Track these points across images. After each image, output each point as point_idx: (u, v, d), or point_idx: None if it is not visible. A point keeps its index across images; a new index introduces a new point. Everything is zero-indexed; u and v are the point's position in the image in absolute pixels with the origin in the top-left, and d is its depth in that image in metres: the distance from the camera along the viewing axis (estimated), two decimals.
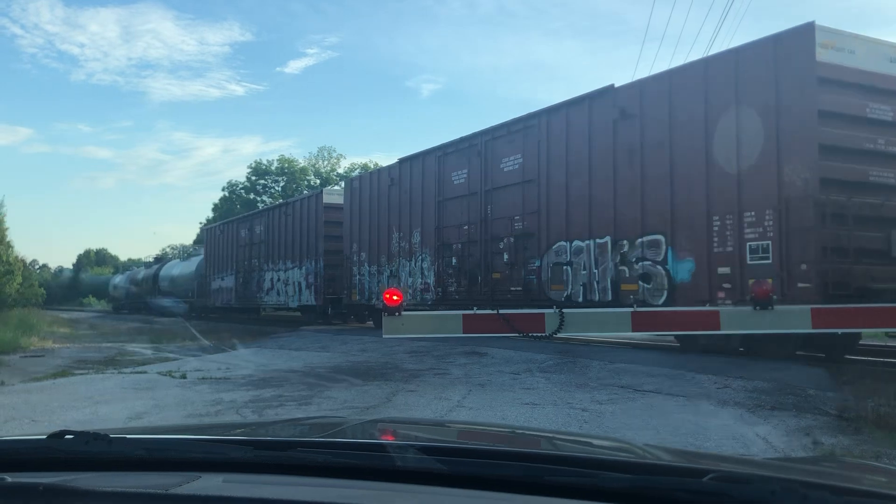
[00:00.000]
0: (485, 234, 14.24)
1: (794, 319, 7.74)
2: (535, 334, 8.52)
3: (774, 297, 7.68)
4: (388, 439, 1.76)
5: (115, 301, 50.40)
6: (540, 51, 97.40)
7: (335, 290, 20.61)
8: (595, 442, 2.08)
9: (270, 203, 49.26)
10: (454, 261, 15.13)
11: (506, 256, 13.70)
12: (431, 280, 15.86)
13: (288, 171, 52.71)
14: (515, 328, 8.46)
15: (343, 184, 21.26)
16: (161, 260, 45.93)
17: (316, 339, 16.38)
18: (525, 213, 13.26)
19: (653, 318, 8.54)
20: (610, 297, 11.30)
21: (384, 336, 8.75)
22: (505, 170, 13.82)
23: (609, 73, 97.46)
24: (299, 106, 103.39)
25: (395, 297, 8.52)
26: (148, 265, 46.10)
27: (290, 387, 8.65)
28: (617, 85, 11.62)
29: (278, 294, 23.91)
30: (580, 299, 11.83)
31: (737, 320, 7.99)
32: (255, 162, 54.10)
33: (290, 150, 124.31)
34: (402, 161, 17.19)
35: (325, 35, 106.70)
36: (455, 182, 15.23)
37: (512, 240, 13.51)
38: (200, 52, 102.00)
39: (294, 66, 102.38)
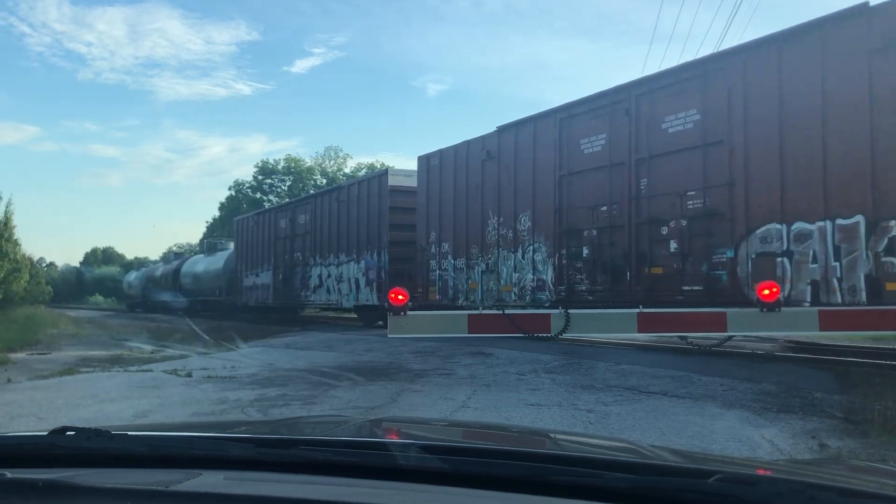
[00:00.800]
0: (636, 217, 11.23)
1: (802, 321, 7.70)
2: (540, 335, 8.50)
3: (781, 298, 7.65)
4: (390, 438, 1.75)
5: (129, 299, 47.98)
6: (546, 50, 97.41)
7: (402, 285, 17.09)
8: (600, 442, 2.07)
9: (277, 202, 49.23)
10: (585, 251, 12.06)
11: (673, 245, 10.66)
12: (548, 276, 12.70)
13: (294, 170, 52.82)
14: (521, 328, 8.45)
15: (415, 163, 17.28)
16: (180, 256, 43.11)
17: (322, 339, 16.38)
18: (706, 186, 10.20)
19: (659, 319, 8.51)
20: (865, 299, 8.29)
21: (389, 336, 8.76)
22: (670, 131, 10.83)
23: (615, 73, 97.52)
24: (305, 105, 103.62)
25: (400, 297, 8.52)
26: (167, 261, 43.46)
27: (295, 386, 8.65)
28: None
29: (329, 292, 20.89)
30: (807, 301, 8.77)
31: (743, 322, 7.96)
32: (262, 161, 54.29)
33: (297, 149, 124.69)
34: (501, 130, 14.03)
35: (331, 35, 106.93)
36: (586, 151, 12.14)
37: (683, 223, 10.50)
38: (207, 52, 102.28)
39: (301, 66, 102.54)
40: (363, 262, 19.13)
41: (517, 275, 13.38)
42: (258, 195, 53.05)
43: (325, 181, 52.65)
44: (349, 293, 19.88)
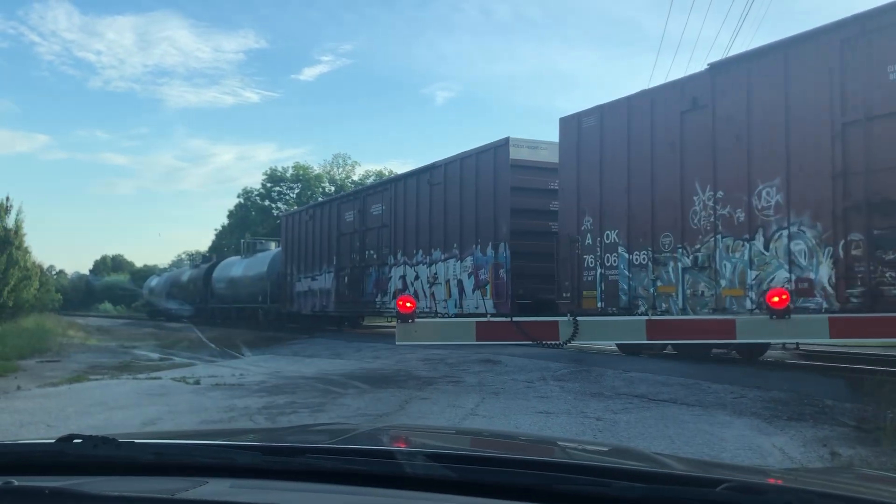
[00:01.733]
0: None
1: (812, 328, 7.65)
2: (548, 342, 8.47)
3: (791, 305, 7.60)
4: (397, 446, 1.75)
5: (150, 306, 44.13)
6: (557, 59, 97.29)
7: (531, 289, 13.78)
8: (607, 450, 2.06)
9: (286, 210, 49.21)
10: None
11: None
12: (822, 273, 8.69)
13: (303, 178, 52.92)
14: (529, 336, 8.42)
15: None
16: (209, 259, 38.88)
17: (329, 346, 16.39)
18: None
19: (668, 326, 8.47)
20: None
21: (397, 343, 8.74)
22: None
23: (625, 82, 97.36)
24: (314, 113, 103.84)
25: (408, 304, 8.51)
26: (194, 265, 39.59)
27: (304, 394, 8.66)
28: None
29: (417, 298, 15.88)
30: None
31: (753, 329, 7.91)
32: (271, 169, 54.37)
33: (305, 157, 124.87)
34: (715, 68, 10.24)
35: (339, 42, 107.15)
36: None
37: None
38: (215, 60, 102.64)
39: (308, 74, 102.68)
40: (469, 259, 15.01)
41: (756, 272, 9.46)
42: (266, 203, 53.18)
43: (332, 189, 52.76)
44: (447, 299, 15.68)
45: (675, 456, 1.89)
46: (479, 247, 14.88)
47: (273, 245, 30.19)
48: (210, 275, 33.02)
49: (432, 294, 16.26)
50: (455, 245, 15.60)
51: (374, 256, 18.77)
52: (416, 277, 16.89)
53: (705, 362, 10.33)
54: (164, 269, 51.85)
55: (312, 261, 22.44)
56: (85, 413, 7.53)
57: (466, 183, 15.29)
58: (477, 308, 14.56)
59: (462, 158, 15.62)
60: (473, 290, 14.95)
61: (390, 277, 17.88)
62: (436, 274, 16.20)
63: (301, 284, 23.24)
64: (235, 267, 30.37)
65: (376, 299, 18.55)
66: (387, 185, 19.00)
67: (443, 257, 16.00)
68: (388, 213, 18.20)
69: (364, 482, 1.30)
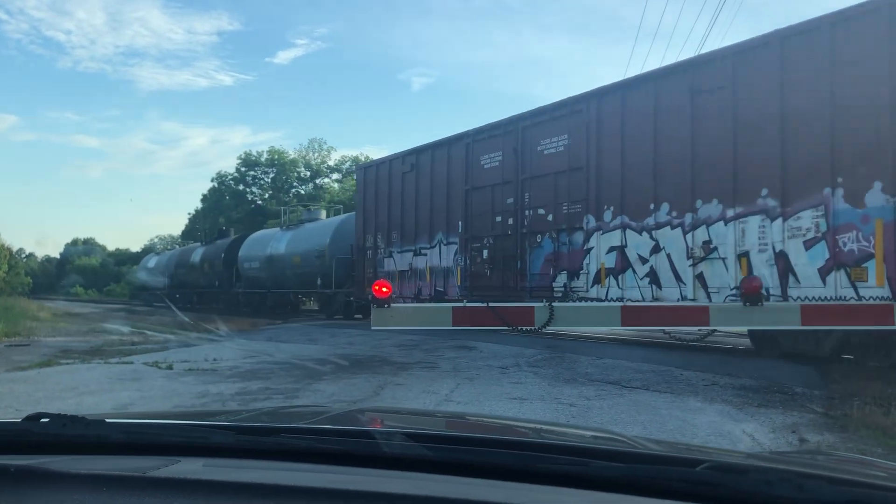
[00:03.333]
0: None
1: (784, 316, 7.74)
2: (524, 328, 8.50)
3: (764, 293, 7.68)
4: (374, 426, 1.73)
5: (146, 290, 37.72)
6: (534, 46, 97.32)
7: None
8: (585, 433, 2.06)
9: (259, 194, 48.34)
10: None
11: None
12: None
13: (278, 162, 52.53)
14: (505, 321, 8.44)
15: None
16: (224, 234, 31.98)
17: (304, 332, 16.31)
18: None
19: (643, 312, 8.53)
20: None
21: (373, 328, 8.71)
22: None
23: (602, 70, 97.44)
24: (289, 97, 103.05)
25: (384, 289, 8.48)
26: (209, 241, 32.43)
27: (278, 379, 8.61)
28: None
29: (656, 281, 10.45)
30: None
31: (726, 316, 7.99)
32: (245, 153, 53.96)
33: (280, 141, 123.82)
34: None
35: (314, 26, 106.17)
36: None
37: None
38: (188, 41, 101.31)
39: (283, 57, 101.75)
40: (811, 216, 8.59)
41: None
42: (241, 187, 52.79)
43: (308, 174, 52.42)
44: (722, 287, 9.61)
45: (651, 438, 1.89)
46: (837, 193, 8.42)
47: (324, 213, 25.16)
48: (235, 253, 27.11)
49: (695, 278, 9.92)
50: (760, 196, 9.20)
51: (550, 219, 12.68)
52: (659, 249, 10.49)
53: (677, 349, 10.44)
54: (186, 244, 45.40)
55: (413, 229, 16.28)
56: (55, 398, 7.42)
57: (791, 82, 8.94)
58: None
59: (765, 43, 9.28)
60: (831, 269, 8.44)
61: (588, 249, 11.72)
62: (692, 242, 10.00)
63: (394, 261, 16.98)
64: (277, 241, 24.03)
65: (553, 282, 12.38)
66: (579, 104, 12.16)
67: (717, 217, 9.71)
68: (578, 149, 12.01)
69: (341, 462, 1.28)
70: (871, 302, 7.79)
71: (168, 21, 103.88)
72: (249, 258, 26.03)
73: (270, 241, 24.82)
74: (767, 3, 76.25)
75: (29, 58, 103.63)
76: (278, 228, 25.79)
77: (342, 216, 22.66)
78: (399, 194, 16.74)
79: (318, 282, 20.76)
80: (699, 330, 10.47)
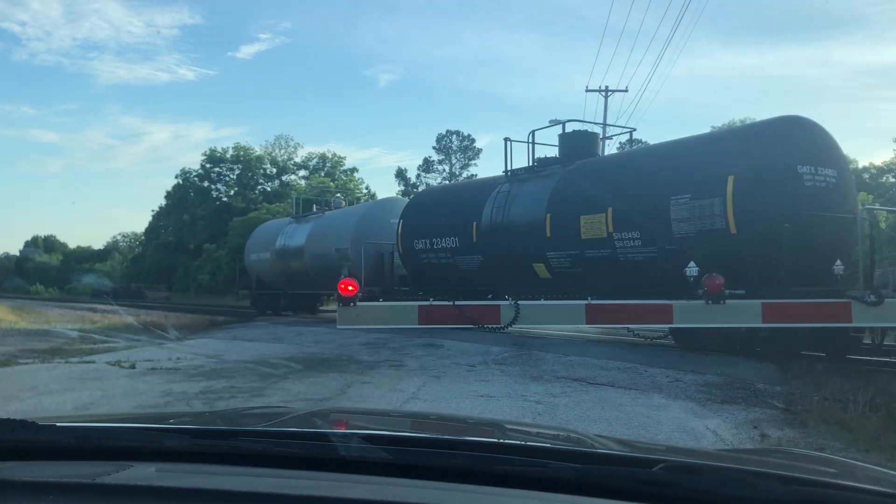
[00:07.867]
0: None
1: (746, 313, 7.86)
2: (491, 326, 8.52)
3: (726, 291, 7.79)
4: (333, 428, 1.71)
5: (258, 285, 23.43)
6: (499, 44, 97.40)
7: None
8: (546, 432, 2.07)
9: (225, 191, 47.58)
10: None
11: None
12: None
13: (244, 158, 51.88)
14: (471, 319, 8.45)
15: None
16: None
17: (270, 331, 16.17)
18: None
19: (608, 309, 8.60)
20: None
21: (339, 327, 8.67)
22: None
23: (565, 68, 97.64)
24: (252, 92, 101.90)
25: (349, 287, 8.44)
26: (320, 211, 21.24)
27: (243, 378, 8.52)
28: None
29: None
30: None
31: (689, 314, 8.10)
32: (210, 149, 53.06)
33: (243, 137, 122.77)
34: None
35: (278, 20, 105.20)
36: None
37: None
38: (148, 35, 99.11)
39: (246, 52, 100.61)
40: None
41: None
42: (206, 183, 52.04)
43: (275, 170, 51.93)
44: None
45: (613, 437, 1.90)
46: None
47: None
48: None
49: None
50: None
51: None
52: None
53: (642, 346, 10.54)
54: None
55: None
56: (14, 398, 7.25)
57: None
58: None
59: None
60: None
61: None
62: None
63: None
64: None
65: None
66: None
67: None
68: None
69: (299, 466, 1.26)
70: (829, 300, 7.94)
71: (127, 14, 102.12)
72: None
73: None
74: (729, 3, 77.38)
75: None
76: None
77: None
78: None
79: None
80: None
